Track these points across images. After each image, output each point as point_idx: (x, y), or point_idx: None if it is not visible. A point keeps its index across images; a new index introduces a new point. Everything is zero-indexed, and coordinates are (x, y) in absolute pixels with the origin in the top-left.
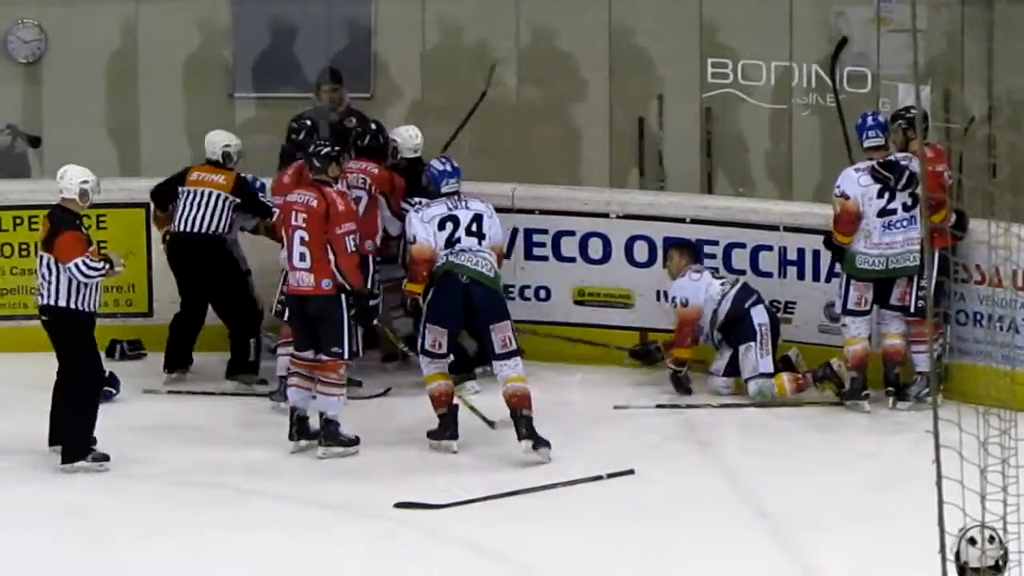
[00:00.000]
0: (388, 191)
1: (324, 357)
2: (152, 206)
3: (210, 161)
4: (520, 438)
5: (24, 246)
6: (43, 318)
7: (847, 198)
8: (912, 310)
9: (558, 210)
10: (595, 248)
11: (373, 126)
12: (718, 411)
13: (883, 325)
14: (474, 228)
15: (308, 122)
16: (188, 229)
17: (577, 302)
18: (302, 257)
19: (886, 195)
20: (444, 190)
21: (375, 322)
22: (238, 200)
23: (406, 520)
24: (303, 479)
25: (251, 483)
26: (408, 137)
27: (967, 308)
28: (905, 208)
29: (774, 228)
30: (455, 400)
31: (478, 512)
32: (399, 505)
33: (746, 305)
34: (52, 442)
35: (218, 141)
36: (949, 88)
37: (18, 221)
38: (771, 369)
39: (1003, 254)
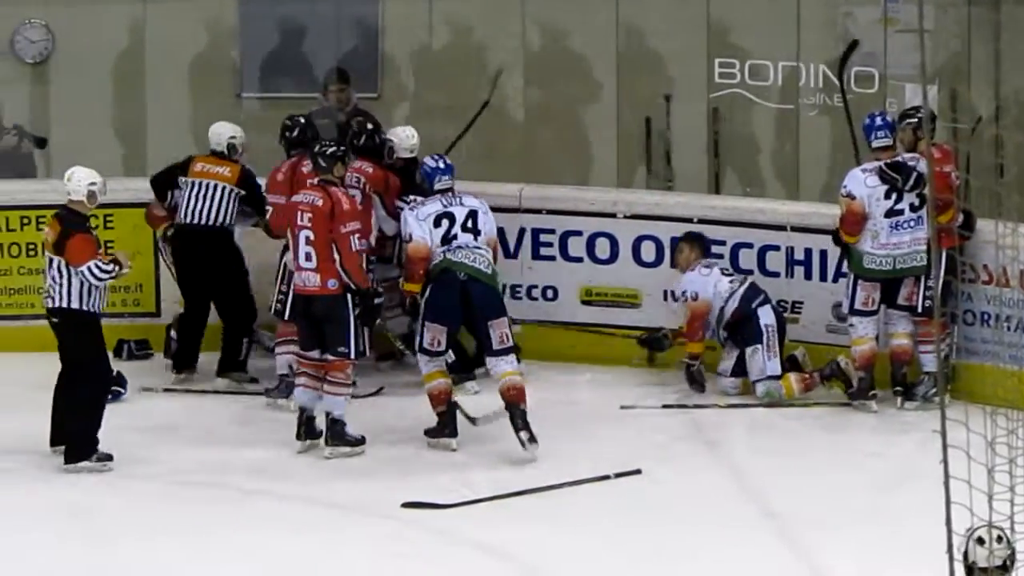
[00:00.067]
0: (383, 190)
1: (330, 357)
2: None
3: (214, 152)
4: (518, 429)
5: (32, 246)
6: (53, 320)
7: (853, 198)
8: (919, 310)
9: (565, 210)
10: (602, 248)
11: (369, 126)
12: (725, 411)
13: (890, 325)
14: (469, 224)
15: (302, 120)
16: (194, 221)
17: (584, 302)
18: (308, 257)
19: (893, 196)
20: (438, 187)
21: (378, 321)
22: (243, 192)
23: (413, 520)
24: (309, 479)
25: (255, 483)
26: (405, 137)
27: (974, 308)
28: (912, 209)
29: (781, 228)
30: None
31: (485, 512)
32: (406, 505)
33: (753, 305)
34: (54, 443)
35: (223, 132)
36: (956, 88)
37: (26, 221)
38: (778, 371)
39: (1010, 254)
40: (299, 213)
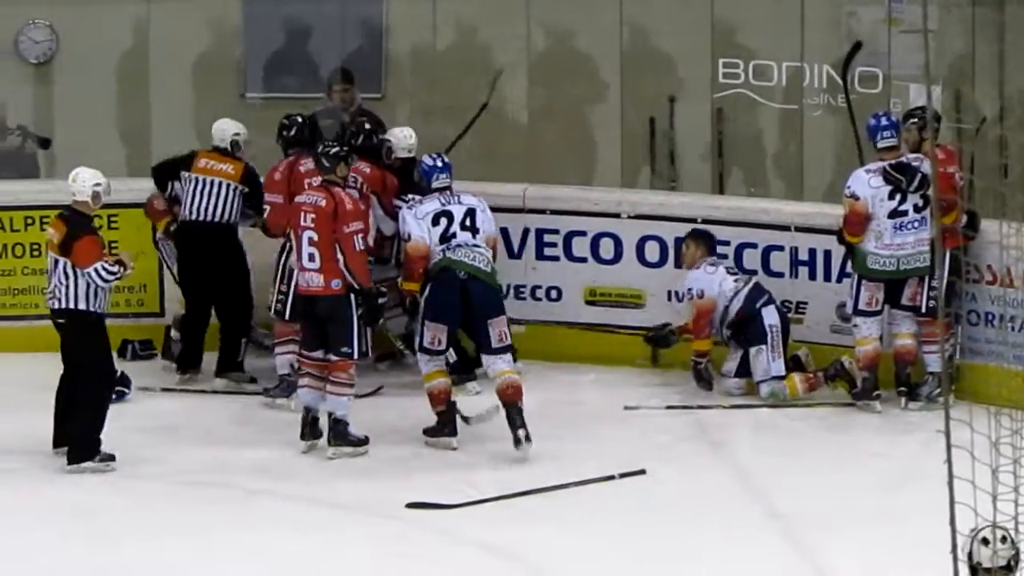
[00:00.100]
0: (380, 190)
1: (333, 357)
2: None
3: (218, 149)
4: (516, 427)
5: (36, 246)
6: (60, 321)
7: (857, 199)
8: (923, 310)
9: (569, 210)
10: (606, 248)
11: (367, 126)
12: (729, 411)
13: (894, 325)
14: (468, 223)
15: (299, 119)
16: (197, 217)
17: (588, 302)
18: (311, 258)
19: (897, 197)
20: (435, 185)
21: (381, 321)
22: (246, 189)
23: (417, 520)
24: (312, 479)
25: (259, 483)
26: (402, 137)
27: (979, 308)
28: (916, 209)
29: (785, 228)
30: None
31: (490, 512)
32: (411, 505)
33: (757, 305)
34: (57, 445)
35: (227, 129)
36: (960, 89)
37: (30, 221)
38: (783, 371)
39: (1015, 254)
40: (302, 214)
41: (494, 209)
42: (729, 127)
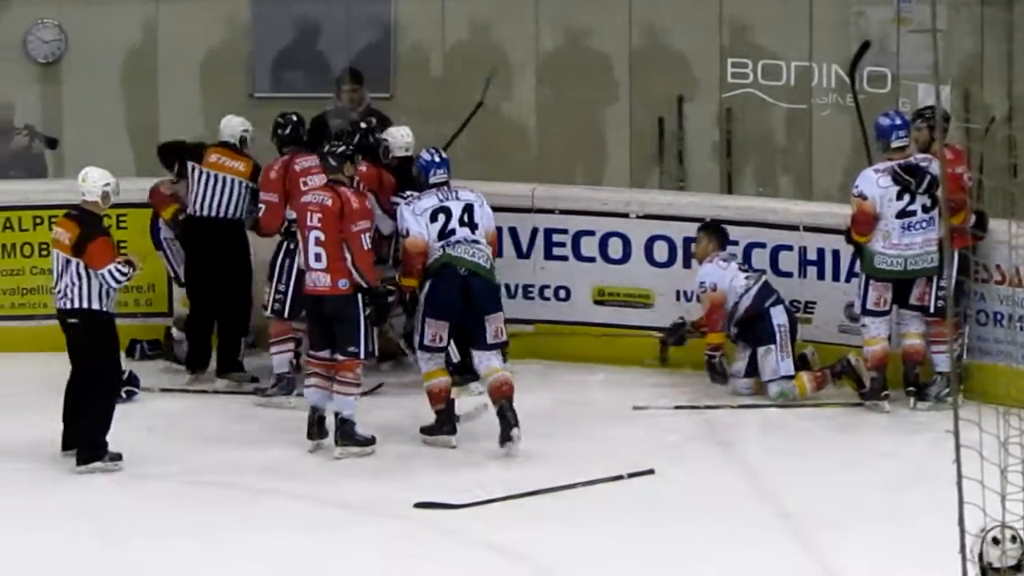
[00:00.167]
0: (376, 188)
1: (340, 357)
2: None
3: (227, 144)
4: (512, 425)
5: (44, 246)
6: (71, 321)
7: (865, 198)
8: (931, 310)
9: (578, 210)
10: (615, 248)
11: (363, 124)
12: (738, 411)
13: (903, 325)
14: (466, 218)
15: (294, 117)
16: (208, 213)
17: (597, 302)
18: (317, 257)
19: (906, 197)
20: (433, 180)
21: (386, 321)
22: (254, 186)
23: (425, 520)
24: (319, 478)
25: (266, 482)
26: (399, 136)
27: (987, 308)
28: (924, 210)
29: (794, 228)
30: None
31: (497, 512)
32: (419, 505)
33: (766, 304)
34: (66, 446)
35: (236, 124)
36: (969, 88)
37: (38, 221)
38: (791, 371)
39: (1023, 254)
40: (308, 214)
41: (503, 209)
42: (738, 127)
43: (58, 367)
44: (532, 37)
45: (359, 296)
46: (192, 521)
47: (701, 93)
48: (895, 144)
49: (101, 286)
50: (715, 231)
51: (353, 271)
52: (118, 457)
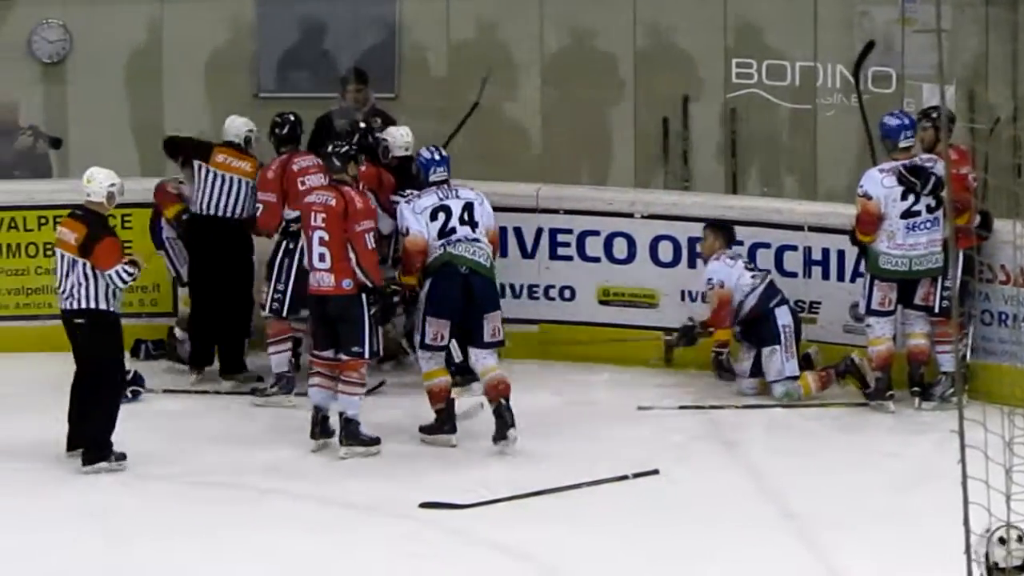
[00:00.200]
0: (376, 187)
1: (344, 356)
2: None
3: (232, 144)
4: (510, 425)
5: (49, 246)
6: (77, 321)
7: (870, 198)
8: (936, 310)
9: (583, 210)
10: (620, 248)
11: (362, 125)
12: (743, 411)
13: (907, 325)
14: (466, 217)
15: (292, 117)
16: (214, 212)
17: (602, 302)
18: (321, 258)
19: (910, 197)
20: (432, 178)
21: (390, 321)
22: None
23: (430, 520)
24: (323, 478)
25: (270, 483)
26: (399, 136)
27: (992, 308)
28: (929, 210)
29: (799, 228)
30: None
31: (503, 512)
32: (424, 505)
33: (771, 305)
34: (71, 447)
35: (240, 125)
36: (974, 88)
37: (43, 221)
38: (796, 372)
39: None
40: (312, 214)
41: (507, 209)
42: (742, 127)
43: (62, 367)
44: (537, 37)
45: (363, 296)
46: (196, 521)
47: (706, 93)
48: (902, 144)
49: (108, 286)
50: (722, 229)
51: (358, 271)
52: (123, 456)
